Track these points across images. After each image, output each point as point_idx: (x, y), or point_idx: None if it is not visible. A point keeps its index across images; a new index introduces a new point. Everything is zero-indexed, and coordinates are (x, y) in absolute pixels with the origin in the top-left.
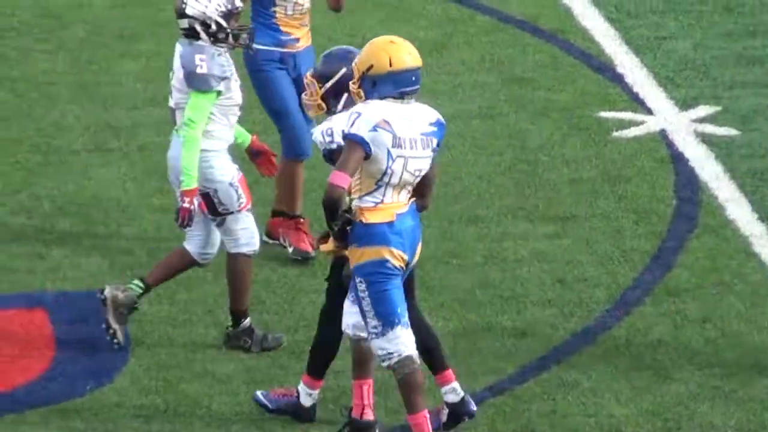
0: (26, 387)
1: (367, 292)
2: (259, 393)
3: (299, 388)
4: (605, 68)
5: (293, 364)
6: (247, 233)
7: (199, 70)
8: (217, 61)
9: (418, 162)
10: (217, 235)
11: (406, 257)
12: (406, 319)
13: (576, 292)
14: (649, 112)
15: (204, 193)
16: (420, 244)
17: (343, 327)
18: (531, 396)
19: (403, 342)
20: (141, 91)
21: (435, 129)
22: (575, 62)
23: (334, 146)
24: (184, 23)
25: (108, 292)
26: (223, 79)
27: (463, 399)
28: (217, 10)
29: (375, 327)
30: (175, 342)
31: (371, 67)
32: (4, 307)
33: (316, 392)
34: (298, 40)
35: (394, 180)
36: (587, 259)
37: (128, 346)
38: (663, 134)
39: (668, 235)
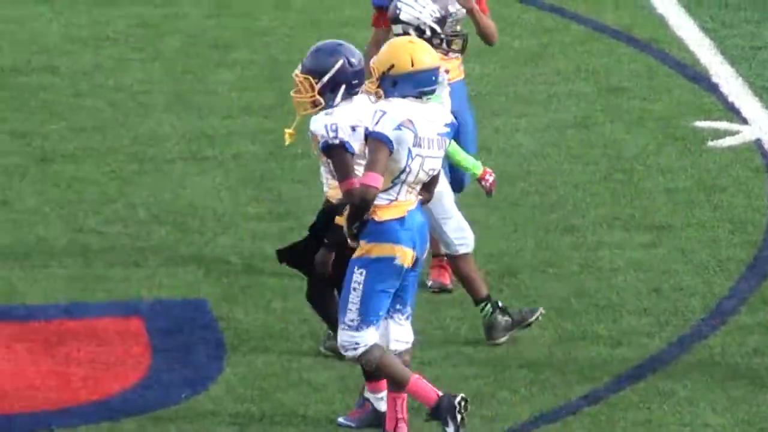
0: (122, 395)
1: (362, 286)
2: (341, 418)
3: (368, 396)
4: (700, 78)
5: None
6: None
7: None
8: None
9: (433, 162)
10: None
11: (415, 254)
12: (379, 322)
13: (672, 301)
14: (744, 121)
15: None
16: (428, 241)
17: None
18: (626, 405)
19: (371, 336)
20: (236, 99)
21: (448, 130)
22: (670, 72)
23: (336, 141)
24: (398, 29)
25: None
26: None
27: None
28: (431, 15)
29: (352, 320)
30: (270, 350)
31: (392, 66)
32: (101, 315)
33: (383, 393)
34: (447, 72)
35: (410, 178)
36: (683, 269)
37: (223, 355)
38: (758, 144)
39: (764, 244)
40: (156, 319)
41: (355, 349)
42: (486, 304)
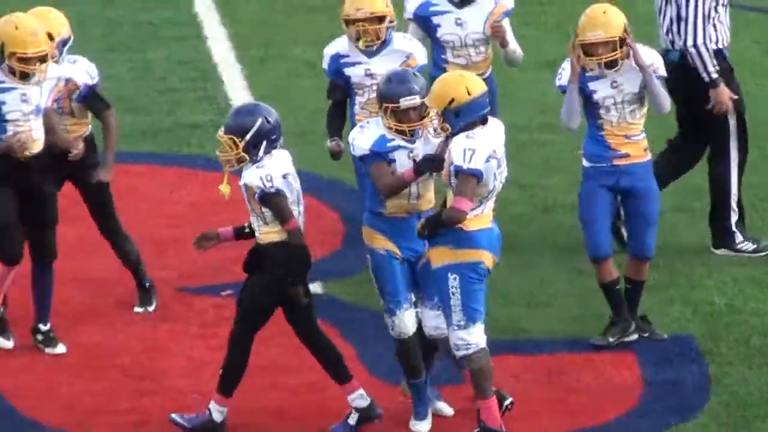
0: (617, 421)
1: (459, 289)
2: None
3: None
4: None
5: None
6: None
7: None
8: None
9: (504, 174)
10: None
11: (496, 259)
12: (483, 317)
13: None
14: None
15: None
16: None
17: (426, 332)
18: None
19: (481, 335)
20: None
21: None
22: None
23: (273, 190)
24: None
25: None
26: None
27: (370, 403)
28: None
29: (459, 321)
30: (751, 382)
31: (452, 100)
32: (597, 351)
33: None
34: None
35: (493, 194)
36: None
37: (708, 386)
38: None
39: None
40: (647, 353)
41: (468, 348)
42: None
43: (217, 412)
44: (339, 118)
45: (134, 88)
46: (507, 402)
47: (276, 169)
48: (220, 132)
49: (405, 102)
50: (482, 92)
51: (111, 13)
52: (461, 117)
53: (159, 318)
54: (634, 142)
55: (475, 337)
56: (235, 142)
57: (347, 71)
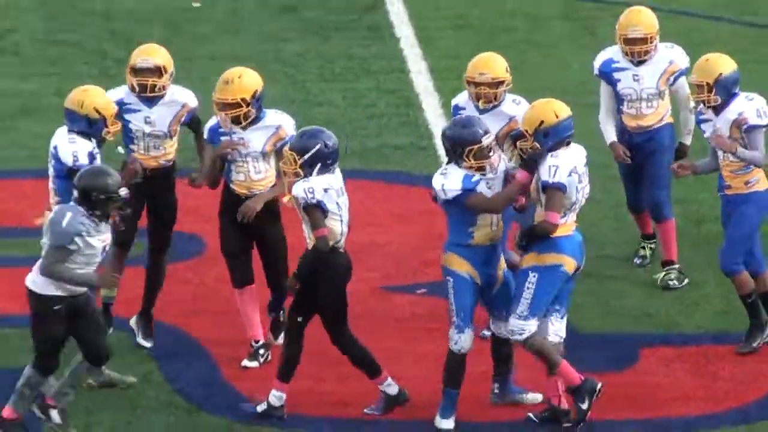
0: (756, 403)
1: (534, 285)
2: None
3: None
4: None
5: None
6: None
7: None
8: None
9: (587, 189)
10: None
11: (576, 263)
12: (543, 314)
13: None
14: None
15: None
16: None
17: (549, 338)
18: None
19: (534, 327)
20: None
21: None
22: None
23: (314, 201)
24: None
25: None
26: None
27: (399, 390)
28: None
29: (522, 311)
30: None
31: (542, 122)
32: None
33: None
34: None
35: (576, 206)
36: None
37: None
38: None
39: None
40: None
41: (521, 334)
42: None
43: (274, 397)
44: None
45: (347, 114)
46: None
47: (319, 183)
48: (286, 147)
49: (486, 140)
50: (568, 116)
51: (328, 49)
52: (549, 137)
53: (359, 314)
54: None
55: (529, 327)
56: (295, 159)
57: None
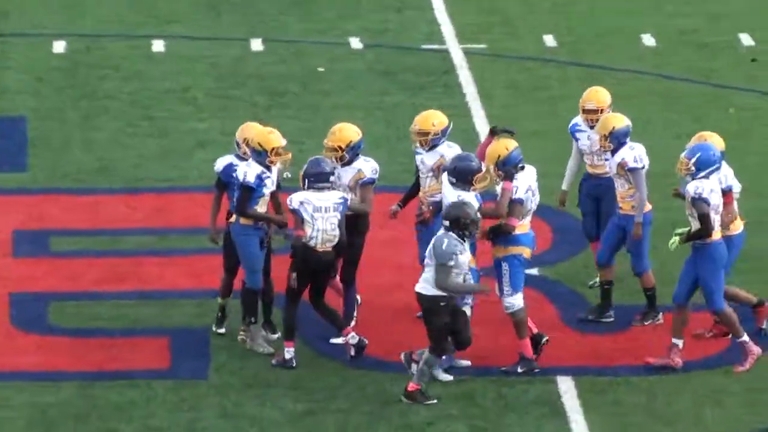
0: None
1: (509, 271)
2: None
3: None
4: None
5: None
6: None
7: None
8: None
9: (537, 198)
10: None
11: (531, 251)
12: (522, 288)
13: None
14: None
15: None
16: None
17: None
18: None
19: (520, 299)
20: None
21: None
22: None
23: (291, 208)
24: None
25: None
26: None
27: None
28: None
29: (508, 290)
30: None
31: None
32: None
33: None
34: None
35: (531, 212)
36: None
37: None
38: None
39: None
40: None
41: (513, 307)
42: None
43: (287, 352)
44: None
45: None
46: (543, 340)
47: (296, 196)
48: (492, 166)
49: (483, 167)
50: (515, 148)
51: (415, 100)
52: (507, 165)
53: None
54: None
55: (518, 301)
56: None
57: None
